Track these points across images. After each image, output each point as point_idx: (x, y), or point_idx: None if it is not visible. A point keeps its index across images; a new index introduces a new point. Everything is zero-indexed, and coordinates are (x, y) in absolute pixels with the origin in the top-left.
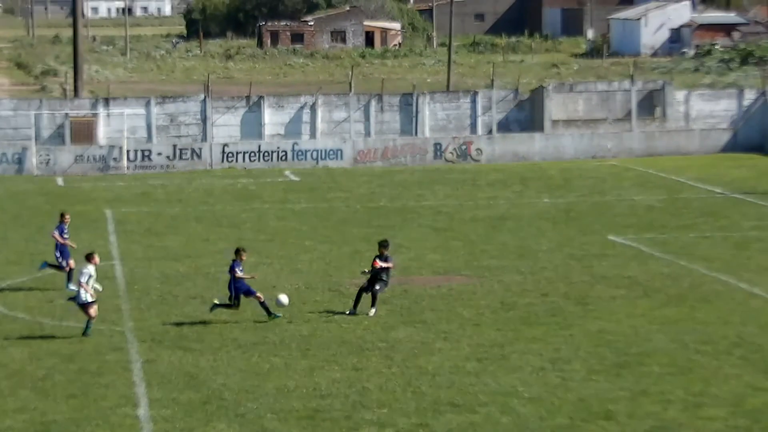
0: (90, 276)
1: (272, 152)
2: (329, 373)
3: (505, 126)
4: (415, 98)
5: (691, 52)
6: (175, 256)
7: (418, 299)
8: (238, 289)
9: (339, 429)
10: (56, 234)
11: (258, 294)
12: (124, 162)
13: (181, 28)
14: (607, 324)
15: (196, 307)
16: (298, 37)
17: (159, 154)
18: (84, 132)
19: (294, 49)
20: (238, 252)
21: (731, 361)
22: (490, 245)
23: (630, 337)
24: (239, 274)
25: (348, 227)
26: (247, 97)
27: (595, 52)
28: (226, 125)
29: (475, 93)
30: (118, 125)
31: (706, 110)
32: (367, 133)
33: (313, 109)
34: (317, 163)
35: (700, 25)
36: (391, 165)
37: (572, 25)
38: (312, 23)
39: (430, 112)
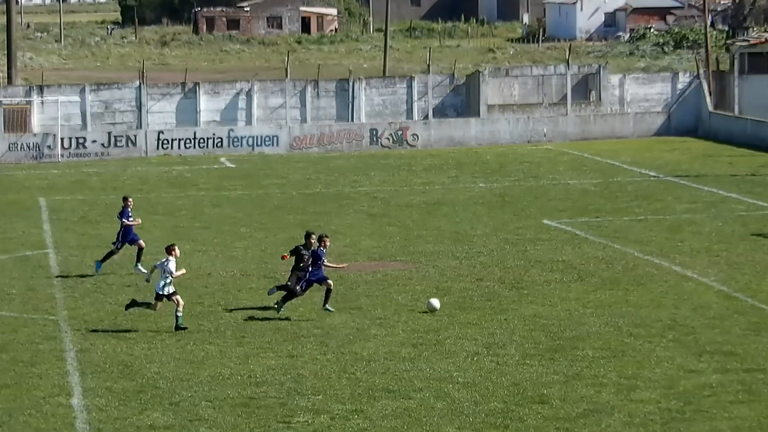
0: (172, 267)
1: (208, 139)
2: (264, 360)
3: (441, 111)
4: (351, 84)
5: (626, 36)
6: (110, 245)
7: (354, 285)
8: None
9: (274, 416)
10: (124, 219)
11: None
12: (59, 150)
13: (116, 15)
14: (541, 308)
15: (131, 295)
16: (234, 24)
17: (94, 141)
18: (18, 120)
19: (230, 36)
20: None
21: (664, 344)
22: (425, 231)
23: (564, 321)
24: (326, 262)
25: (283, 214)
26: (183, 84)
27: (530, 36)
28: (162, 112)
29: (411, 78)
30: (53, 113)
31: (640, 94)
32: (303, 120)
33: (249, 95)
34: (253, 149)
35: (634, 8)
36: (327, 151)
37: (508, 10)
38: (248, 9)
39: (367, 98)
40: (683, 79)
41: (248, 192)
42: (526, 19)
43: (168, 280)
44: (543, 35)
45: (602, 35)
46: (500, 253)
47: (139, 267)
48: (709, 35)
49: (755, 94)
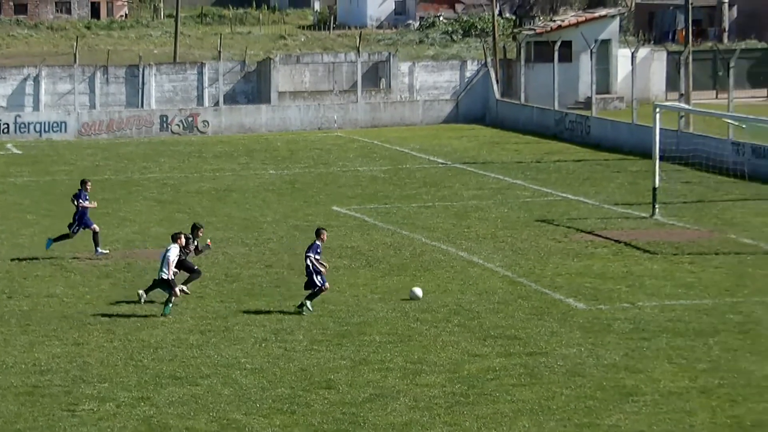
0: (175, 255)
1: None
2: (49, 348)
3: (231, 98)
4: (141, 70)
5: (416, 24)
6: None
7: (142, 273)
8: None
9: (58, 404)
10: (81, 202)
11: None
12: None
13: None
14: (329, 294)
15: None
16: (21, 8)
17: None
18: None
19: (17, 20)
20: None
21: (449, 329)
22: (215, 217)
23: (352, 306)
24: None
25: (71, 201)
26: None
27: (321, 23)
28: None
29: (202, 65)
30: None
31: (429, 82)
32: (92, 106)
33: (36, 81)
34: (40, 135)
35: None
36: (117, 137)
37: None
38: None
39: (157, 84)
40: (471, 68)
41: (35, 179)
42: (317, 6)
43: (171, 268)
44: (334, 23)
45: (392, 23)
46: (290, 240)
47: (100, 249)
48: (496, 24)
49: (541, 82)
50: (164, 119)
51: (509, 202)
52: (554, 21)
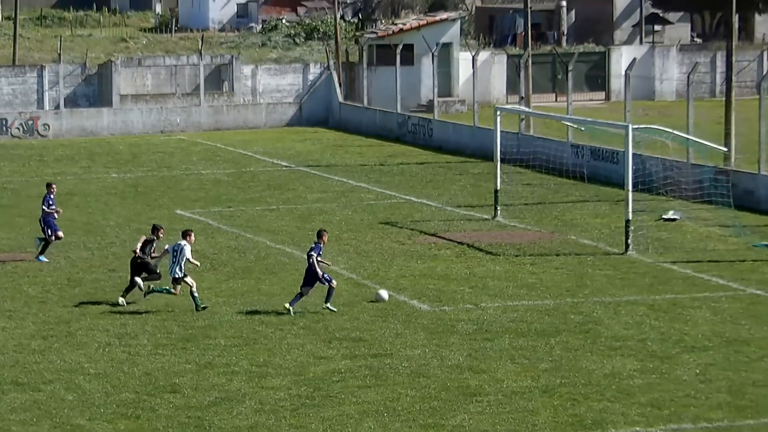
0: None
1: None
2: None
3: (73, 101)
4: None
5: (258, 27)
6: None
7: None
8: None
9: None
10: (45, 206)
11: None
12: None
13: None
14: (174, 298)
15: None
16: None
17: None
18: None
19: None
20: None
21: (295, 331)
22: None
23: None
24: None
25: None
26: None
27: (163, 26)
28: None
29: (42, 67)
30: None
31: (272, 85)
32: None
33: None
34: None
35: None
36: None
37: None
38: None
39: None
40: (314, 71)
41: None
42: (158, 8)
43: (182, 264)
44: (176, 25)
45: (235, 26)
46: (132, 244)
47: (42, 257)
48: (338, 27)
49: (383, 85)
50: (3, 123)
51: (353, 204)
52: (396, 24)
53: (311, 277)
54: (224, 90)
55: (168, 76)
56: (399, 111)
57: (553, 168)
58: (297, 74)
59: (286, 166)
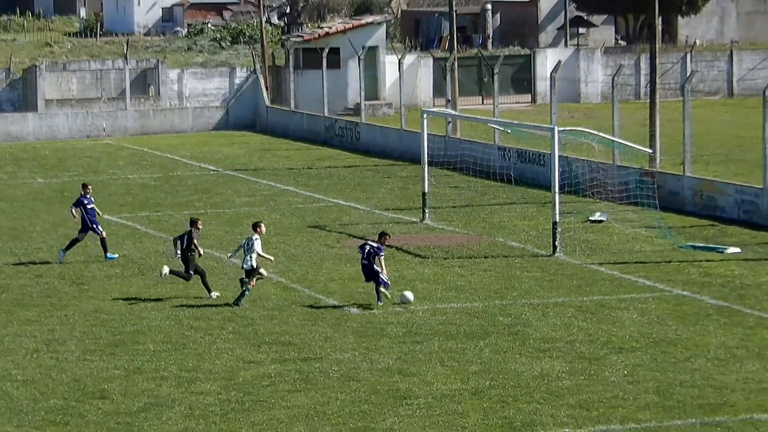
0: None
1: None
2: None
3: None
4: None
5: (184, 31)
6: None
7: None
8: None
9: None
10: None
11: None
12: None
13: None
14: (102, 303)
15: None
16: None
17: None
18: None
19: None
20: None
21: (224, 336)
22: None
23: (125, 315)
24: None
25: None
26: None
27: (88, 30)
28: None
29: None
30: None
31: (199, 89)
32: None
33: None
34: None
35: (192, 4)
36: None
37: (64, 4)
38: None
39: None
40: (241, 75)
41: None
42: (83, 13)
43: (254, 257)
44: (101, 30)
45: (160, 30)
46: (60, 249)
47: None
48: (265, 31)
49: (310, 88)
50: None
51: (281, 208)
52: (322, 28)
53: (371, 274)
54: (150, 94)
55: (93, 81)
56: (326, 114)
57: (481, 171)
58: (223, 78)
59: (213, 170)
